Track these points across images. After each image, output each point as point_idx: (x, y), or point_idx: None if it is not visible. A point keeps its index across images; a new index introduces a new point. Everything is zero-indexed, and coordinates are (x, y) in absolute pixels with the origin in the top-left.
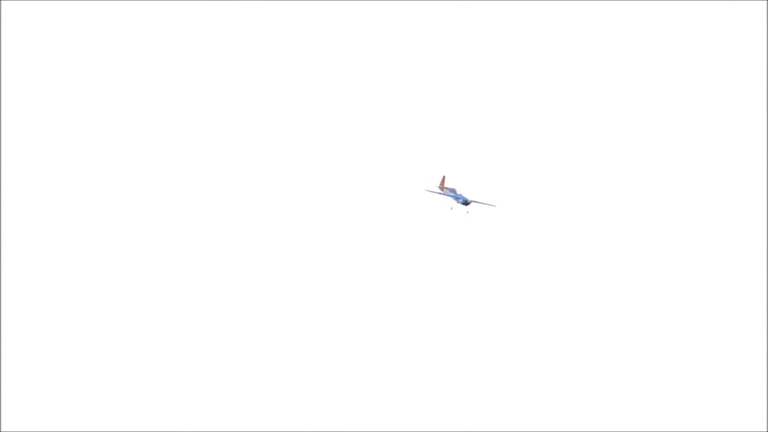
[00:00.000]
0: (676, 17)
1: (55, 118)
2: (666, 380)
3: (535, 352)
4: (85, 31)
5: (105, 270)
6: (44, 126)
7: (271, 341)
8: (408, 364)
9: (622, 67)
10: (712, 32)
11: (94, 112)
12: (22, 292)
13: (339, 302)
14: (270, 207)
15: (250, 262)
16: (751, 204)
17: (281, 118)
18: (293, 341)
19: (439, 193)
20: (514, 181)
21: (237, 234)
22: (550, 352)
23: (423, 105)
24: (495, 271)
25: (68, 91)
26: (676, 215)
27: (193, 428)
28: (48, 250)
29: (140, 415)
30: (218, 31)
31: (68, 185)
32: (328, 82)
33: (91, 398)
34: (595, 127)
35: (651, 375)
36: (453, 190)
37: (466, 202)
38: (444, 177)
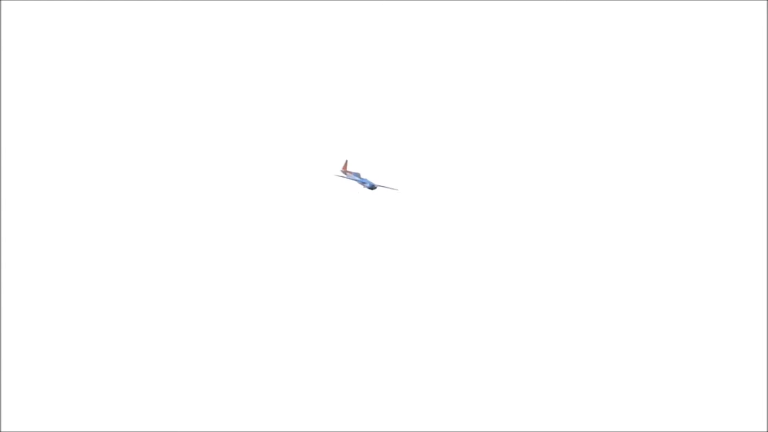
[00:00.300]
0: (676, 17)
1: (55, 118)
2: (666, 380)
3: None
4: (85, 31)
5: (105, 270)
6: (44, 126)
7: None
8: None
9: (622, 67)
10: (712, 32)
11: (94, 112)
12: (22, 292)
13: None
14: (169, 202)
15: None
16: (751, 204)
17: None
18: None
19: (345, 178)
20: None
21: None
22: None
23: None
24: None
25: (68, 91)
26: (675, 215)
27: (192, 428)
28: (47, 250)
29: (140, 415)
30: (216, 31)
31: (68, 185)
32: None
33: (91, 398)
34: (591, 126)
35: (651, 375)
36: (357, 175)
37: (372, 187)
38: (346, 161)
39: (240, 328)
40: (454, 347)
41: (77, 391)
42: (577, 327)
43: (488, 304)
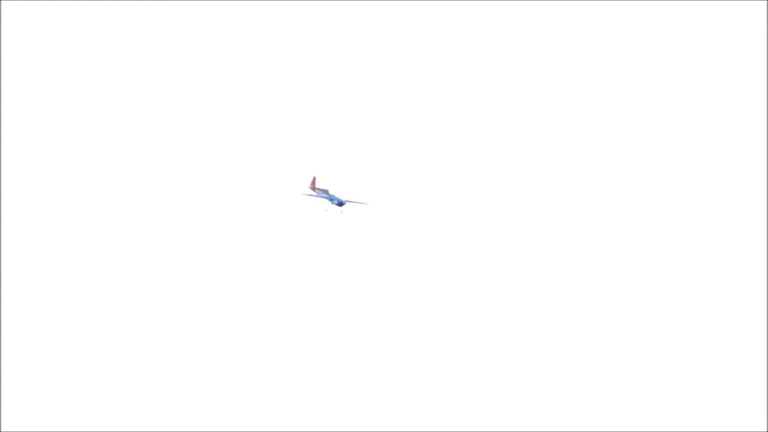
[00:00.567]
0: (676, 17)
1: (55, 118)
2: (666, 380)
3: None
4: (85, 31)
5: (104, 270)
6: (44, 126)
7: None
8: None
9: (622, 67)
10: (712, 32)
11: (94, 112)
12: (22, 291)
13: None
14: (148, 207)
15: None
16: (751, 203)
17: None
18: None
19: (314, 195)
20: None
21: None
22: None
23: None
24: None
25: (68, 91)
26: (674, 215)
27: (193, 428)
28: (47, 250)
29: (140, 415)
30: (215, 31)
31: (68, 185)
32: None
33: (91, 398)
34: (591, 126)
35: (651, 375)
36: (325, 191)
37: (340, 203)
38: (314, 178)
39: (222, 330)
40: (438, 351)
41: (77, 391)
42: (577, 327)
43: (472, 309)
